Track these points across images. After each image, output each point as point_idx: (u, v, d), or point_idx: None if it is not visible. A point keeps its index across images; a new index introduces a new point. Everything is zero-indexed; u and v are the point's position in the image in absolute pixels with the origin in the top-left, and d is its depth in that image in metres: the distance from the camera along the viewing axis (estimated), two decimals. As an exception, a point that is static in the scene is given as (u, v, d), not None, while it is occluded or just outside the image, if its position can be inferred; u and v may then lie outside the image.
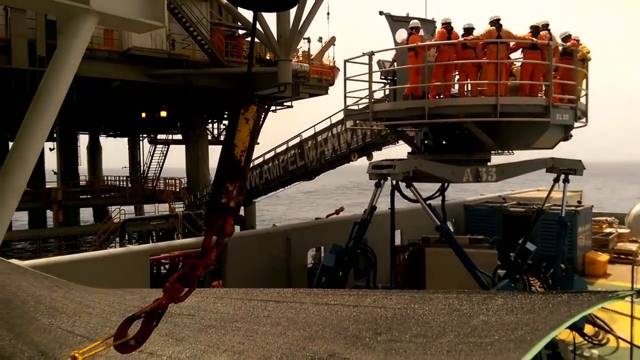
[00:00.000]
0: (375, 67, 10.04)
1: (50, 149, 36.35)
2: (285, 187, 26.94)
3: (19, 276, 4.35)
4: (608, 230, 17.06)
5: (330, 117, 21.69)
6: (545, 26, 9.39)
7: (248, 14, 27.38)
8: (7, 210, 2.27)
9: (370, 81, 9.73)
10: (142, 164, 45.97)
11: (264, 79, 27.16)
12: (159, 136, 42.94)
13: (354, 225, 10.35)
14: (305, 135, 23.46)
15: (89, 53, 23.07)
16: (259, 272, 11.30)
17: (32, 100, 2.33)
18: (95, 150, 49.70)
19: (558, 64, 9.18)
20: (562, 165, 10.37)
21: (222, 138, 39.23)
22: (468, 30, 9.24)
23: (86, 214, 45.86)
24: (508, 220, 14.74)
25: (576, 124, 9.65)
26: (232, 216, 2.22)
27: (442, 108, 9.15)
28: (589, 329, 9.34)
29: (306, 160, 23.37)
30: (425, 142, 10.63)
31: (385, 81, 11.24)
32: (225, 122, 39.84)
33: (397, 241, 12.34)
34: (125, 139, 49.48)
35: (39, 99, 2.31)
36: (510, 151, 11.41)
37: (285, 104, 34.29)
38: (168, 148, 42.18)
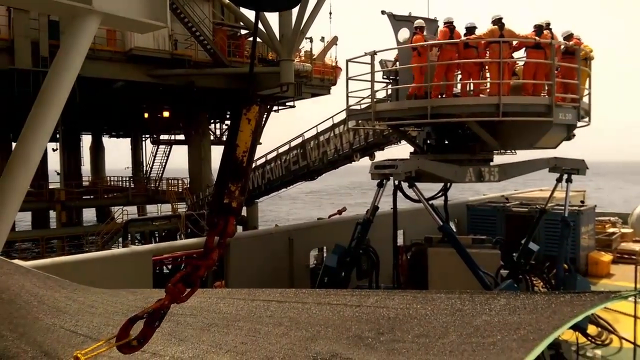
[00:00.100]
0: (377, 67, 10.03)
1: (53, 150, 36.45)
2: (288, 188, 26.94)
3: (22, 276, 4.36)
4: (611, 230, 17.00)
5: (332, 117, 21.69)
6: (547, 25, 9.37)
7: (250, 14, 27.40)
8: (10, 210, 2.28)
9: (372, 81, 9.72)
10: (144, 165, 46.08)
11: (266, 78, 27.17)
12: (162, 136, 43.01)
13: (356, 225, 10.34)
14: (307, 136, 23.46)
15: (91, 53, 23.11)
16: (261, 272, 11.31)
17: (35, 101, 2.33)
18: (98, 151, 49.85)
19: (561, 63, 9.15)
20: (565, 164, 10.35)
21: (224, 138, 39.28)
22: (470, 30, 9.22)
23: (89, 215, 45.99)
24: (511, 220, 14.71)
25: (579, 124, 9.62)
26: (234, 216, 2.22)
27: (444, 108, 9.14)
28: (592, 329, 9.33)
29: (308, 161, 23.36)
30: (428, 142, 10.62)
31: (387, 81, 11.24)
32: (228, 122, 39.88)
33: (400, 241, 12.33)
34: (128, 140, 49.59)
35: (42, 99, 2.31)
36: (513, 151, 11.38)
37: (287, 104, 34.30)
38: (170, 148, 42.25)
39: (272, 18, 28.31)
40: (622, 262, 15.37)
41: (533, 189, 21.97)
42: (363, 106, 10.73)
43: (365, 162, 19.05)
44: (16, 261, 5.97)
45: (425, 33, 9.61)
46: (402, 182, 9.42)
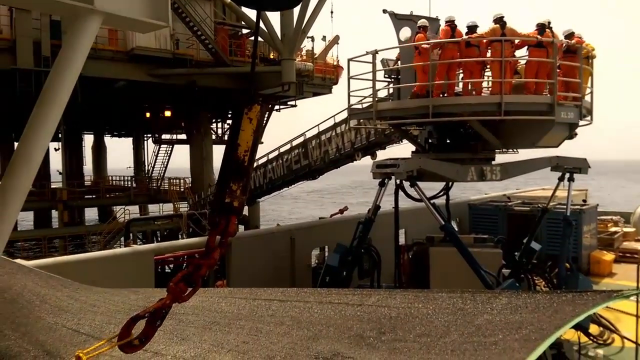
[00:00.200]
0: (379, 66, 10.02)
1: (55, 149, 36.52)
2: (289, 187, 26.95)
3: (24, 276, 4.37)
4: (613, 229, 16.96)
5: (334, 116, 21.71)
6: (547, 24, 9.34)
7: (252, 13, 27.41)
8: (12, 210, 2.28)
9: (374, 80, 9.71)
10: (146, 164, 46.16)
11: (267, 78, 27.18)
12: (164, 136, 43.05)
13: (358, 224, 10.34)
14: (309, 135, 23.48)
15: (93, 53, 23.19)
16: (263, 271, 11.31)
17: (37, 101, 2.34)
18: (100, 150, 49.93)
19: (563, 61, 9.13)
20: (567, 163, 10.32)
21: (226, 137, 39.35)
22: (471, 28, 9.20)
23: (91, 214, 46.06)
24: (513, 219, 14.68)
25: (581, 122, 9.60)
26: (235, 216, 2.22)
27: (446, 107, 9.13)
28: (594, 329, 9.31)
29: (310, 160, 23.37)
30: (430, 141, 10.61)
31: (389, 80, 11.23)
32: (230, 121, 39.91)
33: (401, 240, 12.32)
34: (130, 139, 49.67)
35: (43, 99, 2.31)
36: (515, 150, 11.36)
37: (289, 103, 34.31)
38: (172, 148, 42.28)
39: (274, 17, 28.35)
40: (624, 261, 15.34)
41: (535, 188, 21.95)
42: (365, 105, 10.72)
43: (367, 161, 19.06)
44: (18, 260, 5.99)
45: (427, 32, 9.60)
46: (403, 181, 9.42)
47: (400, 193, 9.87)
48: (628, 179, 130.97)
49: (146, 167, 45.79)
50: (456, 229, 13.38)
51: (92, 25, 2.35)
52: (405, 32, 10.04)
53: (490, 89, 9.73)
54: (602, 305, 2.60)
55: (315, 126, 22.98)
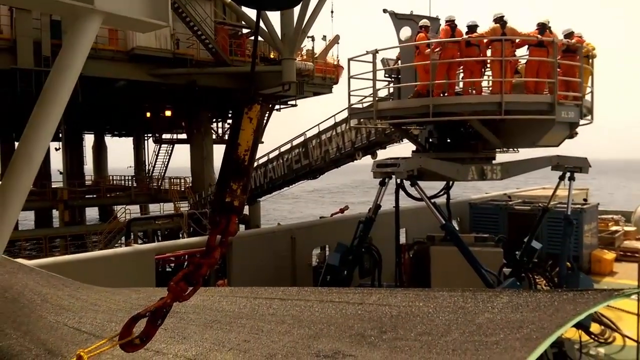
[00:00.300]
0: (379, 65, 10.02)
1: (56, 149, 36.56)
2: (290, 186, 26.96)
3: (25, 275, 4.38)
4: (614, 228, 16.97)
5: (334, 115, 21.71)
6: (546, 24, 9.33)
7: (252, 13, 27.40)
8: (13, 209, 2.28)
9: (374, 79, 9.71)
10: (147, 164, 46.16)
11: (268, 77, 27.18)
12: (164, 135, 43.07)
13: (358, 224, 10.35)
14: (309, 134, 23.49)
15: (93, 53, 23.19)
16: (263, 271, 11.32)
17: (38, 100, 2.33)
18: (100, 150, 49.93)
19: (563, 61, 9.12)
20: (567, 163, 10.32)
21: (226, 137, 39.32)
22: (472, 28, 9.19)
23: (92, 214, 46.10)
24: (513, 218, 14.68)
25: (582, 121, 9.60)
26: (236, 215, 2.23)
27: (446, 106, 9.12)
28: (595, 328, 9.30)
29: (310, 159, 23.37)
30: (430, 140, 10.60)
31: (389, 79, 11.22)
32: (230, 121, 39.91)
33: (402, 240, 12.32)
34: (130, 139, 49.68)
35: (44, 98, 2.31)
36: (515, 149, 11.36)
37: (289, 102, 34.32)
38: (173, 147, 42.30)
39: (274, 17, 28.35)
40: (625, 260, 15.34)
41: (535, 187, 21.94)
42: (365, 105, 10.72)
43: (368, 160, 19.06)
44: (19, 260, 6.00)
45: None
46: (404, 181, 9.41)
47: (401, 192, 9.87)
48: (629, 178, 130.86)
49: (147, 166, 45.80)
50: (457, 228, 13.38)
51: (92, 25, 2.35)
52: (406, 32, 10.04)
53: (490, 88, 9.72)
54: (603, 304, 2.60)
55: (316, 126, 23.01)
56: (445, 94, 9.48)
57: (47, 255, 25.21)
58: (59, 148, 36.25)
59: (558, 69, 8.87)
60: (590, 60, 9.83)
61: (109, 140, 51.90)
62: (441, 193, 11.45)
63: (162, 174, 41.42)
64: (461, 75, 9.95)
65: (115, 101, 32.26)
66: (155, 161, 42.94)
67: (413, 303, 2.99)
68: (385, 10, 10.38)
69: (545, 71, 9.07)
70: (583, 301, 2.57)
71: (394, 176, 9.36)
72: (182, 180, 36.18)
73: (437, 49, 9.19)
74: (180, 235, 28.36)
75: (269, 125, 35.55)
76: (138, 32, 3.06)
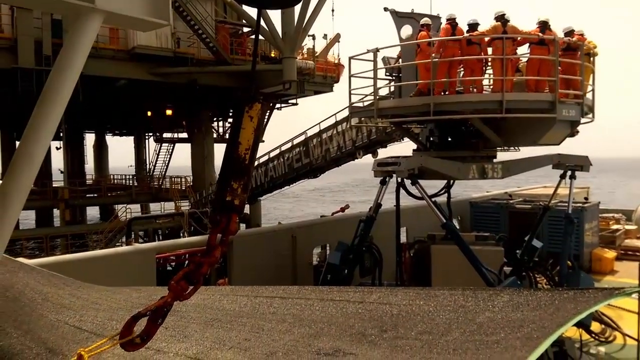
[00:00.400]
0: (380, 64, 10.01)
1: (57, 148, 36.57)
2: (291, 185, 26.95)
3: (26, 274, 4.38)
4: (615, 226, 16.95)
5: (335, 114, 21.69)
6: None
7: (252, 12, 27.36)
8: (14, 209, 2.28)
9: (375, 78, 9.70)
10: (148, 163, 46.16)
11: (268, 76, 27.16)
12: (165, 134, 43.09)
13: (359, 222, 10.34)
14: (310, 133, 23.47)
15: (94, 52, 23.18)
16: (264, 270, 11.33)
17: (38, 100, 2.34)
18: (101, 149, 49.95)
19: (564, 59, 9.10)
20: (568, 161, 10.31)
21: (227, 136, 39.30)
22: (473, 26, 9.18)
23: (92, 213, 46.14)
24: (514, 217, 14.68)
25: (583, 120, 9.59)
26: (236, 214, 2.23)
27: (447, 105, 9.11)
28: (595, 326, 9.30)
29: (311, 158, 23.36)
30: (431, 139, 10.59)
31: (390, 78, 11.21)
32: (231, 120, 39.90)
33: (403, 239, 12.33)
34: (131, 138, 49.68)
35: (45, 98, 2.31)
36: (516, 147, 11.35)
37: (290, 101, 34.30)
38: (174, 146, 42.30)
39: (275, 16, 28.26)
40: (625, 258, 15.33)
41: (536, 186, 21.92)
42: (366, 103, 10.71)
43: (368, 159, 19.04)
44: (20, 259, 6.01)
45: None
46: (405, 180, 9.41)
47: (402, 191, 9.86)
48: (630, 177, 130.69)
49: (147, 165, 45.80)
50: (457, 227, 13.37)
51: (93, 24, 2.35)
52: (407, 30, 10.02)
53: (491, 86, 9.71)
54: (603, 303, 2.60)
55: (317, 124, 22.97)
56: (446, 93, 9.47)
57: (48, 255, 25.25)
58: (60, 147, 36.26)
59: (559, 67, 8.86)
60: (592, 58, 9.82)
61: (109, 139, 51.99)
62: (442, 192, 11.45)
63: (163, 173, 41.44)
64: (462, 73, 9.94)
65: (116, 100, 32.26)
66: (156, 160, 43.00)
67: (414, 302, 2.99)
68: (386, 9, 10.37)
69: (546, 69, 9.06)
70: (584, 300, 2.57)
71: (394, 175, 9.36)
72: (183, 179, 36.19)
73: (440, 49, 9.17)
74: (181, 234, 28.40)
75: (269, 124, 35.53)
76: (139, 31, 3.06)
